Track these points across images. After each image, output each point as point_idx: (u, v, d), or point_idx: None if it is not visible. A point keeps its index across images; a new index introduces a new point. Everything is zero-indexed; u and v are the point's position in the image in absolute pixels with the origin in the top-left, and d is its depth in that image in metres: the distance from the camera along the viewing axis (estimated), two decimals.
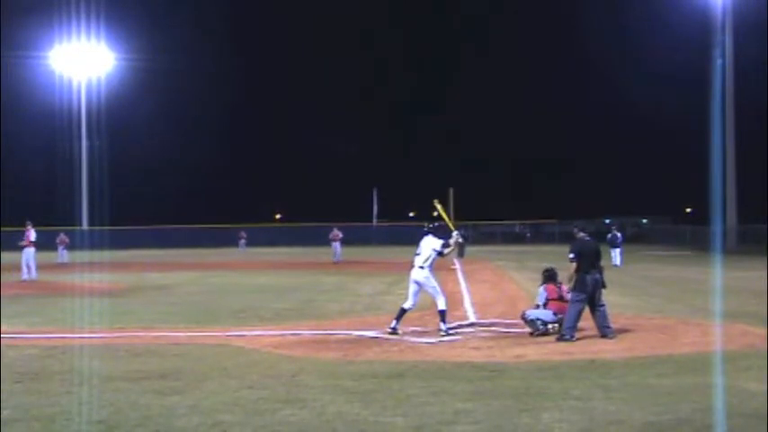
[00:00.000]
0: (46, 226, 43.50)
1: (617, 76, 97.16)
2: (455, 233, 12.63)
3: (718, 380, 8.25)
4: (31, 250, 25.29)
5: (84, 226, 61.53)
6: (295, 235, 64.86)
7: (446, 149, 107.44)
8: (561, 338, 11.20)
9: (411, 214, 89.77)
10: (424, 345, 11.13)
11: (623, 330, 11.99)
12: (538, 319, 11.82)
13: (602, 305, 11.60)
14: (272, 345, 11.15)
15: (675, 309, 15.59)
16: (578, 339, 11.27)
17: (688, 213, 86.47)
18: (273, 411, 7.20)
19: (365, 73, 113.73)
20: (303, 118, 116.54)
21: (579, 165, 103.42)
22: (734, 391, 7.76)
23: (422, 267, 12.16)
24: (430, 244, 12.28)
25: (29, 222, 25.75)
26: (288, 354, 10.39)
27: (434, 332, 11.93)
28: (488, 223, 74.12)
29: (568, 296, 11.76)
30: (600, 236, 41.38)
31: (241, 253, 49.00)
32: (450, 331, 11.94)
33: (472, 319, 14.09)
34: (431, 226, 12.76)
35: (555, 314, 11.83)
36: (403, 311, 12.21)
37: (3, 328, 12.71)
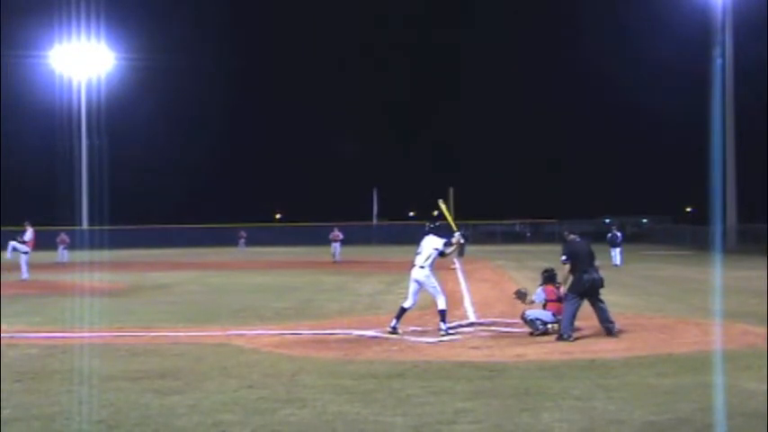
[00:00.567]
0: (46, 226, 43.56)
1: (617, 75, 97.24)
2: (457, 233, 12.63)
3: (719, 379, 8.25)
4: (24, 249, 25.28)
5: (84, 225, 61.54)
6: (295, 235, 64.87)
7: (446, 149, 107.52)
8: (560, 338, 11.22)
9: (411, 214, 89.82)
10: (424, 344, 11.13)
11: (623, 330, 11.99)
12: (537, 319, 11.82)
13: (602, 302, 11.63)
14: (272, 344, 11.14)
15: (675, 308, 15.58)
16: (578, 339, 11.27)
17: (688, 213, 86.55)
18: (273, 411, 7.20)
19: (365, 73, 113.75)
20: (303, 118, 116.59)
21: (579, 164, 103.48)
22: (734, 391, 7.76)
23: (422, 267, 12.16)
24: (431, 243, 12.29)
25: (27, 222, 25.74)
26: (288, 353, 10.39)
27: (434, 332, 11.93)
28: (488, 222, 74.13)
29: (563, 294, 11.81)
30: (600, 235, 41.55)
31: (241, 252, 48.99)
32: (450, 331, 11.94)
33: (472, 318, 14.09)
34: (432, 225, 12.77)
35: (554, 315, 11.84)
36: (403, 310, 12.21)
37: (3, 328, 12.71)
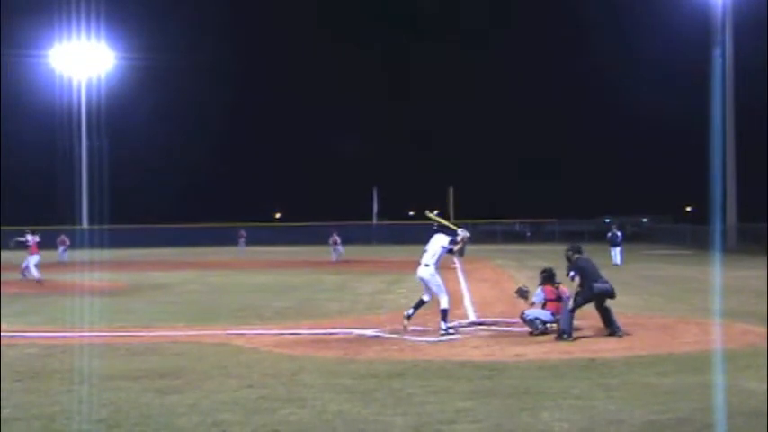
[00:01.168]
0: (46, 225, 43.57)
1: (617, 75, 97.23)
2: (461, 229, 12.65)
3: (719, 379, 8.25)
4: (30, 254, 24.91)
5: (84, 225, 61.52)
6: (295, 234, 64.85)
7: (446, 148, 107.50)
8: (560, 338, 11.22)
9: (411, 213, 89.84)
10: (424, 343, 11.13)
11: (624, 329, 11.99)
12: (537, 319, 11.83)
13: (607, 308, 11.70)
14: (272, 344, 11.15)
15: (676, 308, 15.58)
16: (578, 338, 11.27)
17: (688, 212, 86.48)
18: (273, 410, 7.20)
19: (365, 72, 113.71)
20: (303, 117, 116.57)
21: (579, 164, 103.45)
22: (734, 390, 7.76)
23: (427, 265, 12.28)
24: (439, 241, 12.40)
25: (29, 232, 25.49)
26: (288, 353, 10.39)
27: (435, 331, 11.93)
28: (488, 222, 74.12)
29: (565, 296, 11.84)
30: (600, 235, 41.58)
31: (241, 252, 48.96)
32: (450, 330, 11.95)
33: (472, 317, 14.09)
34: (437, 226, 12.82)
35: (553, 314, 11.85)
36: (421, 302, 12.35)
37: (3, 327, 12.71)
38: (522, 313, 12.10)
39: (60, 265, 36.15)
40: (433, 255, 12.30)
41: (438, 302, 12.20)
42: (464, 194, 74.70)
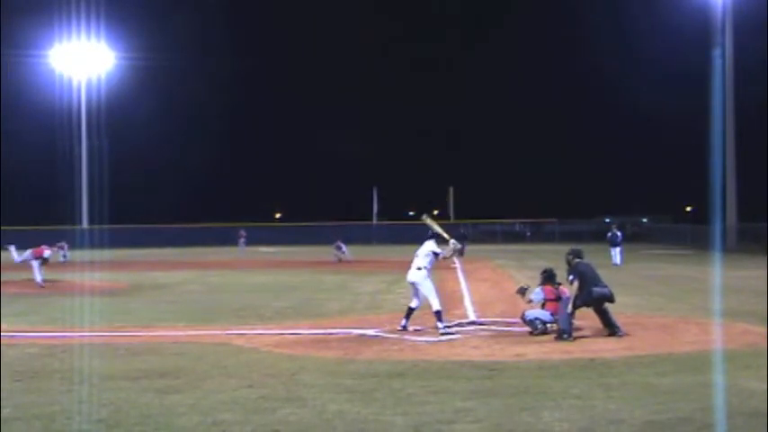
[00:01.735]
0: (46, 225, 43.57)
1: (617, 75, 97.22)
2: (452, 241, 12.72)
3: (719, 378, 8.25)
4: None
5: (84, 225, 61.52)
6: (295, 234, 64.85)
7: (446, 148, 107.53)
8: (559, 338, 11.23)
9: (411, 213, 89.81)
10: (424, 343, 11.13)
11: (623, 329, 11.99)
12: (537, 319, 11.83)
13: (606, 310, 11.72)
14: (272, 343, 11.15)
15: (676, 307, 15.59)
16: (578, 338, 11.28)
17: (688, 212, 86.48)
18: (273, 410, 7.20)
19: (365, 72, 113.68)
20: (303, 117, 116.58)
21: (579, 164, 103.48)
22: (734, 390, 7.76)
23: (419, 268, 12.33)
24: (430, 246, 12.51)
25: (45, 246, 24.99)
26: (288, 352, 10.39)
27: (434, 331, 11.93)
28: (488, 221, 74.11)
29: (565, 297, 11.86)
30: (600, 235, 41.54)
31: (241, 252, 48.94)
32: (449, 329, 11.96)
33: (472, 317, 14.09)
34: (433, 233, 12.85)
35: (552, 314, 11.85)
36: (411, 310, 12.37)
37: (3, 327, 12.70)
38: (523, 313, 12.11)
39: (60, 265, 36.11)
40: (426, 256, 12.37)
41: (430, 306, 12.19)
42: (464, 194, 75.02)
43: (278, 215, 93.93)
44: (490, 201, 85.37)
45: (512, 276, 24.84)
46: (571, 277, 12.04)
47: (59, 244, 39.60)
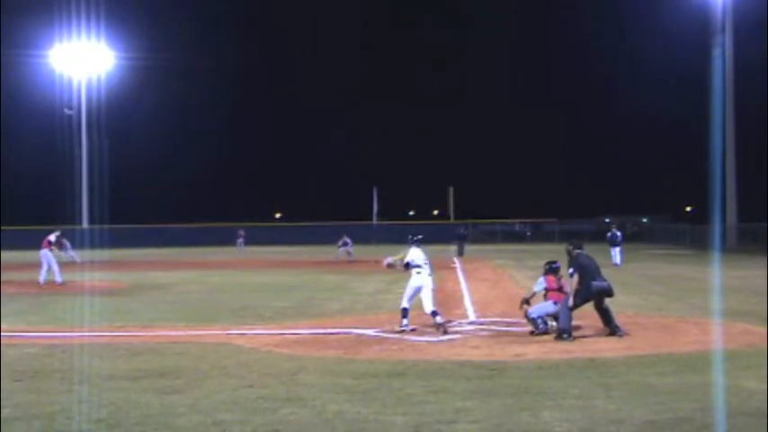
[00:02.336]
0: (46, 225, 43.46)
1: (617, 75, 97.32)
2: (397, 259, 13.17)
3: (719, 378, 8.25)
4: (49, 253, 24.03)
5: (85, 225, 61.51)
6: (295, 234, 64.86)
7: (446, 148, 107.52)
8: (559, 337, 11.22)
9: (411, 213, 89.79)
10: (424, 343, 11.14)
11: (623, 328, 11.99)
12: (539, 318, 11.83)
13: (607, 308, 11.71)
14: (272, 343, 11.15)
15: (675, 307, 15.59)
16: (578, 338, 11.27)
17: (688, 212, 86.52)
18: (273, 410, 7.20)
19: (366, 71, 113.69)
20: (303, 117, 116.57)
21: (579, 164, 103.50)
22: (734, 390, 7.76)
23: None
24: (410, 254, 12.80)
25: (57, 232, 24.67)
26: (288, 352, 10.39)
27: (434, 331, 11.93)
28: (488, 221, 74.13)
29: (567, 288, 11.85)
30: (600, 235, 41.50)
31: (240, 252, 48.93)
32: (405, 327, 12.12)
33: (472, 317, 14.09)
34: (416, 239, 13.18)
35: (555, 303, 11.82)
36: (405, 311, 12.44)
37: (3, 327, 12.70)
38: (527, 312, 12.09)
39: (60, 264, 36.08)
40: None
41: (423, 307, 12.38)
42: (464, 194, 75.01)
43: (278, 215, 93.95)
44: (490, 201, 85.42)
45: (512, 276, 24.84)
46: (571, 270, 11.91)
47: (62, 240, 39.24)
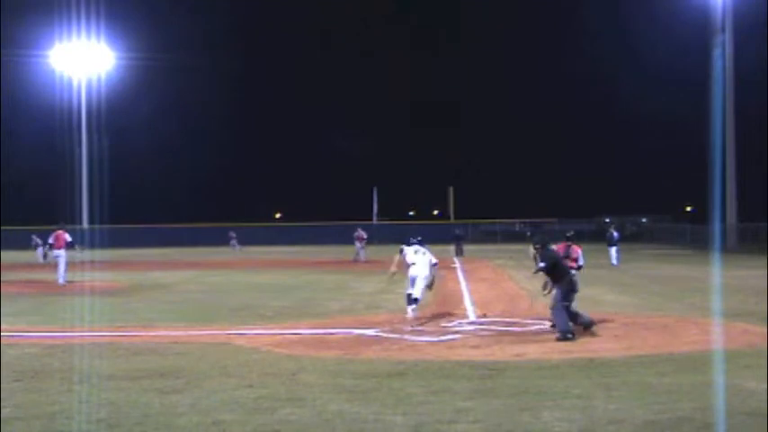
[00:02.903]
0: (46, 225, 43.46)
1: (617, 75, 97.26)
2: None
3: (719, 378, 8.25)
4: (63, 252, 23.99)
5: (85, 225, 61.52)
6: (295, 234, 64.87)
7: (446, 148, 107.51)
8: (563, 339, 11.19)
9: (411, 213, 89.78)
10: (424, 343, 11.13)
11: (623, 329, 12.00)
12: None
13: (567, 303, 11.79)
14: (273, 343, 11.14)
15: (675, 307, 15.59)
16: (578, 338, 11.27)
17: (688, 212, 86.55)
18: (273, 410, 7.20)
19: (366, 71, 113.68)
20: (303, 117, 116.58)
21: (579, 164, 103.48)
22: (734, 390, 7.76)
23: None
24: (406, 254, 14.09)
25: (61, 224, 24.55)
26: (288, 352, 10.39)
27: (434, 331, 11.94)
28: (488, 221, 74.15)
29: (575, 255, 11.99)
30: (600, 235, 41.49)
31: (234, 253, 48.69)
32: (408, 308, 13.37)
33: (472, 317, 14.10)
34: (412, 240, 14.44)
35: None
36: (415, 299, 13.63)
37: (3, 327, 12.70)
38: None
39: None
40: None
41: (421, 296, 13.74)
42: (464, 194, 75.03)
43: (278, 215, 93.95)
44: (490, 201, 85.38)
45: (512, 276, 24.84)
46: (542, 264, 11.84)
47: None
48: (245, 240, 54.16)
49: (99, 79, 64.73)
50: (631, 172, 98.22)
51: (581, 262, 12.50)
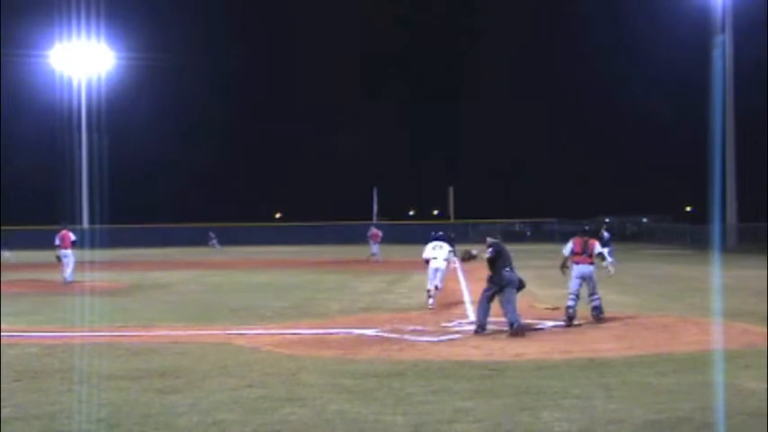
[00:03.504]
0: (46, 225, 43.47)
1: (617, 75, 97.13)
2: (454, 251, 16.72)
3: (718, 378, 8.25)
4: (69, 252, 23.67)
5: (85, 224, 61.51)
6: (295, 234, 64.84)
7: (446, 148, 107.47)
8: (514, 333, 11.38)
9: (411, 213, 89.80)
10: (424, 343, 11.14)
11: (623, 328, 12.00)
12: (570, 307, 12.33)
13: (509, 301, 11.96)
14: (273, 343, 11.14)
15: (675, 307, 15.59)
16: (577, 338, 11.28)
17: (688, 212, 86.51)
18: (273, 410, 7.20)
19: (366, 71, 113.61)
20: (303, 117, 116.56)
21: (579, 164, 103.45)
22: (734, 390, 7.76)
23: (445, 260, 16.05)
24: (425, 250, 16.03)
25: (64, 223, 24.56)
26: (288, 352, 10.39)
27: (434, 331, 11.94)
28: (488, 221, 74.12)
29: (594, 250, 12.76)
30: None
31: (215, 252, 48.63)
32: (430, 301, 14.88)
33: (472, 317, 14.09)
34: (435, 235, 16.57)
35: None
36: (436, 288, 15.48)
37: (3, 327, 12.70)
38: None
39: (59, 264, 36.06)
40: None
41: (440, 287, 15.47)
42: (464, 194, 75.01)
43: (278, 215, 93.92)
44: (490, 201, 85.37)
45: None
46: (491, 250, 12.20)
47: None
48: (245, 240, 54.23)
49: (99, 79, 64.71)
50: (631, 172, 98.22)
51: (610, 259, 12.91)
